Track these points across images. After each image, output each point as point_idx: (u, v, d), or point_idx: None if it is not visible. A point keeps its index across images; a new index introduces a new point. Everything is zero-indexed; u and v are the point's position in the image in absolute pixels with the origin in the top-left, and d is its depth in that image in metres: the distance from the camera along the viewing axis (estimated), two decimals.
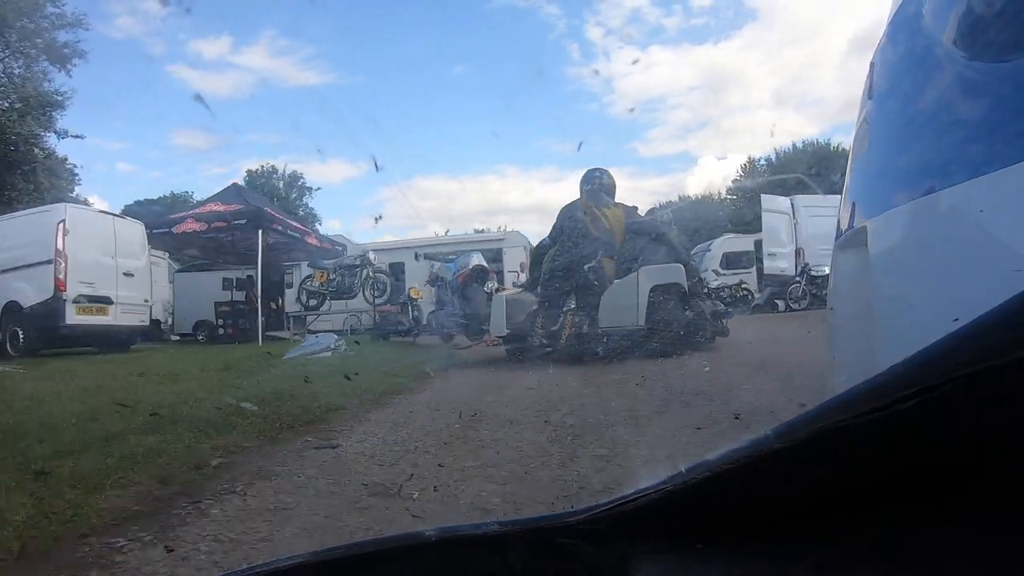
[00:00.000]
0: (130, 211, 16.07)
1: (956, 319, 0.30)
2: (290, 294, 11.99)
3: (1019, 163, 0.51)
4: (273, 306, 12.14)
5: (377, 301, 10.27)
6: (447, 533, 0.36)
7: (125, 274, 8.89)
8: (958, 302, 0.55)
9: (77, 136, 19.07)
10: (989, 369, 0.25)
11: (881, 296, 0.74)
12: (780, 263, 12.27)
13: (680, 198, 31.99)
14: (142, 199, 27.47)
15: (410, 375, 4.66)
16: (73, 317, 8.10)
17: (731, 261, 15.12)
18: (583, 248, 5.50)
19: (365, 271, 10.36)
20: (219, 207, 10.64)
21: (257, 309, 10.21)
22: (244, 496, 1.83)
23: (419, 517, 1.64)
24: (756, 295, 12.89)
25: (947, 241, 0.61)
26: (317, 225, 28.32)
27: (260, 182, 32.09)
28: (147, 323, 9.75)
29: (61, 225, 8.07)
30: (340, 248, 12.13)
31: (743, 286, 12.48)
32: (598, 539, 0.35)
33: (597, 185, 5.92)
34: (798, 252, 12.20)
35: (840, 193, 0.94)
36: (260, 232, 9.89)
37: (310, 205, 35.78)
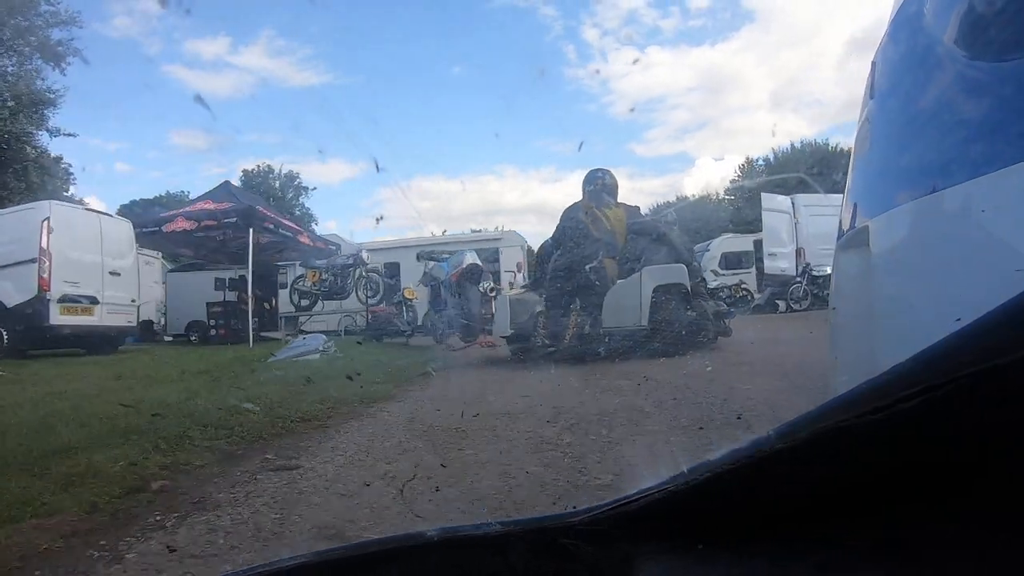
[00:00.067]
0: (125, 211, 16.07)
1: (958, 319, 0.30)
2: (284, 294, 11.95)
3: (1020, 163, 0.52)
4: (267, 306, 12.09)
5: (370, 301, 10.22)
6: (449, 533, 0.37)
7: (111, 273, 8.81)
8: (960, 301, 0.55)
9: (70, 134, 19.09)
10: (992, 369, 0.25)
11: (883, 295, 0.75)
12: (781, 263, 12.30)
13: (678, 198, 32.19)
14: (138, 199, 27.47)
15: (396, 380, 4.48)
16: (57, 317, 7.99)
17: (730, 261, 15.18)
18: (586, 249, 5.58)
19: (358, 271, 10.33)
20: (210, 205, 10.56)
21: (249, 310, 10.16)
22: (172, 533, 1.64)
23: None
24: (756, 295, 12.93)
25: (949, 241, 0.62)
26: (313, 225, 28.50)
27: (256, 182, 32.19)
28: (134, 323, 9.68)
29: (45, 223, 7.97)
30: (334, 248, 12.06)
31: (742, 286, 12.51)
32: (599, 539, 0.35)
33: (599, 186, 6.00)
34: (799, 252, 12.23)
35: (841, 192, 0.95)
36: (251, 231, 9.85)
37: (306, 205, 36.06)
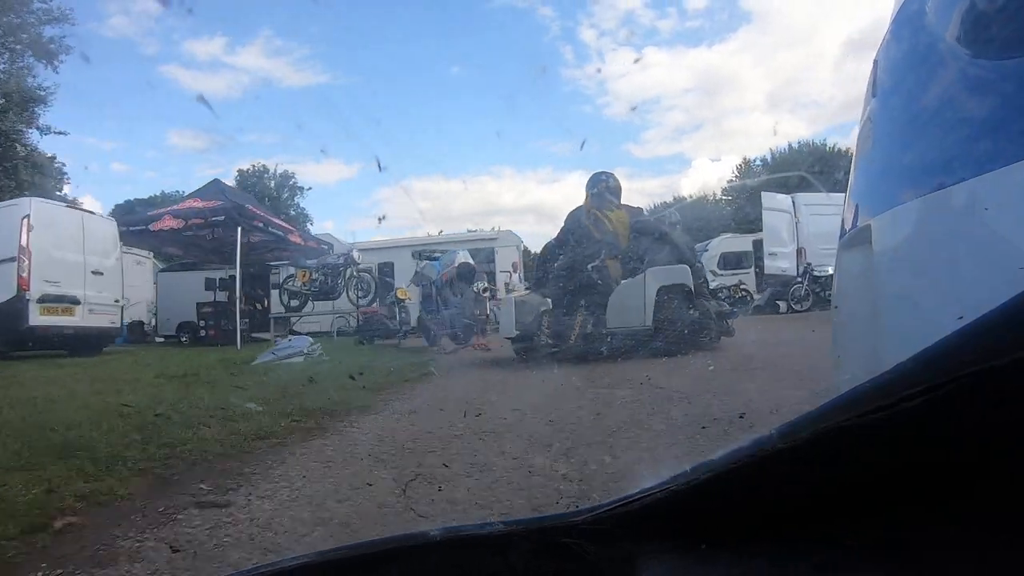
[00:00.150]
0: (120, 211, 16.00)
1: (960, 317, 0.30)
2: (276, 295, 11.91)
3: (1022, 161, 0.52)
4: (259, 307, 12.04)
5: (361, 302, 10.16)
6: (451, 533, 0.37)
7: (94, 273, 8.71)
8: (963, 300, 0.56)
9: (60, 132, 19.23)
10: (993, 368, 0.26)
11: (885, 294, 0.75)
12: (781, 263, 12.34)
13: (675, 199, 32.41)
14: (132, 199, 27.48)
15: (377, 387, 4.25)
16: (37, 318, 7.85)
17: (729, 261, 15.23)
18: (589, 250, 5.77)
19: (349, 270, 10.28)
20: (198, 204, 10.47)
21: (237, 310, 10.11)
22: None
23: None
24: (755, 296, 12.98)
25: (951, 239, 0.63)
26: (309, 225, 28.65)
27: (252, 182, 32.48)
28: (118, 325, 9.58)
29: (25, 220, 7.85)
30: (326, 247, 11.99)
31: (742, 287, 12.54)
32: (602, 539, 0.36)
33: (603, 188, 6.16)
34: (799, 251, 12.27)
35: (842, 191, 0.96)
36: (239, 230, 9.79)
37: (301, 205, 36.30)
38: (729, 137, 49.05)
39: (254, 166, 34.46)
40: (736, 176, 33.74)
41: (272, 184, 34.96)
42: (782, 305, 11.82)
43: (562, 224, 6.35)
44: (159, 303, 13.39)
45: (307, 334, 10.40)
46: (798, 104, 48.49)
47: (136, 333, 13.41)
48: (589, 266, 5.68)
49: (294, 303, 10.87)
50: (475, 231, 16.83)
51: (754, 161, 33.78)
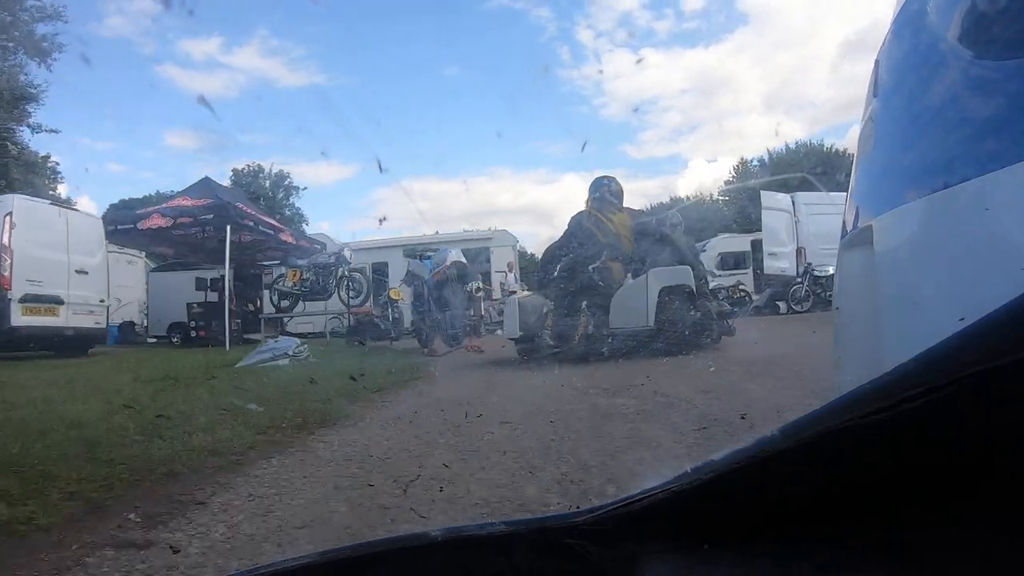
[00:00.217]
0: (114, 210, 15.94)
1: (962, 318, 0.31)
2: (268, 295, 11.87)
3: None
4: (251, 307, 11.99)
5: (353, 302, 10.09)
6: (453, 533, 0.38)
7: (78, 272, 8.64)
8: (964, 301, 0.57)
9: (52, 131, 19.34)
10: (995, 369, 0.26)
11: (887, 295, 0.76)
12: (781, 263, 12.38)
13: (672, 199, 32.68)
14: (127, 198, 27.46)
15: (360, 393, 4.05)
16: (19, 318, 7.78)
17: (727, 262, 15.29)
18: (592, 252, 5.96)
19: (340, 270, 10.22)
20: (187, 202, 10.40)
21: (226, 311, 10.05)
22: None
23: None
24: (754, 296, 13.03)
25: (953, 239, 0.63)
26: (304, 225, 28.92)
27: (246, 181, 32.54)
28: (103, 325, 9.51)
29: (7, 218, 7.76)
30: (318, 246, 11.95)
31: (740, 287, 12.58)
32: (604, 539, 0.36)
33: (605, 192, 6.38)
34: (799, 251, 12.31)
35: (843, 191, 0.97)
36: (228, 228, 9.74)
37: (297, 205, 36.43)
38: (726, 138, 49.61)
39: (249, 166, 34.67)
40: (733, 177, 34.00)
41: (267, 184, 35.07)
42: (782, 306, 11.85)
43: (558, 224, 6.81)
44: (150, 303, 13.35)
45: (300, 335, 10.37)
46: (794, 105, 49.09)
47: (127, 333, 13.37)
48: (590, 267, 5.84)
49: (284, 303, 10.81)
50: (471, 231, 16.83)
51: (751, 162, 34.13)
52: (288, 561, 0.37)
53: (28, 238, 7.93)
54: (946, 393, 0.27)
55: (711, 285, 11.00)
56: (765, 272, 12.69)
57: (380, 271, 13.46)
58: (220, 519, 1.83)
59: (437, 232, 16.44)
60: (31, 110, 18.30)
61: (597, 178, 6.50)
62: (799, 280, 11.58)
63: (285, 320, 11.34)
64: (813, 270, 11.35)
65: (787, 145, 32.05)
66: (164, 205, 10.88)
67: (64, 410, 3.33)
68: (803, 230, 12.42)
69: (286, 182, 35.96)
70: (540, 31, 45.38)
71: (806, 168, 25.45)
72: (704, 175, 54.23)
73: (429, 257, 8.99)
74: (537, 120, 47.89)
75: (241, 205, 10.88)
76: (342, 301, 10.22)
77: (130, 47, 38.50)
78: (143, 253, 14.09)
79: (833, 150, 29.75)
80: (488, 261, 15.05)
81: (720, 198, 30.87)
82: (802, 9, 51.38)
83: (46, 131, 19.10)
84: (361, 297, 10.20)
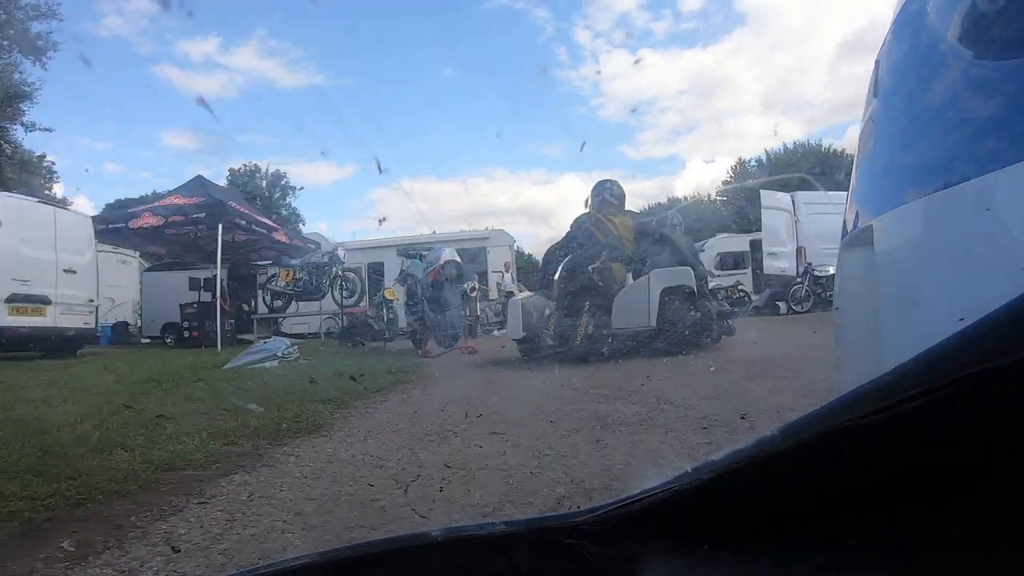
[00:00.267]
0: (109, 210, 15.90)
1: (962, 318, 0.31)
2: (261, 295, 11.83)
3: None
4: (245, 307, 11.96)
5: (346, 302, 10.04)
6: (453, 533, 0.38)
7: (66, 271, 8.56)
8: (965, 301, 0.57)
9: (46, 129, 19.40)
10: (995, 369, 0.26)
11: (887, 295, 0.77)
12: (780, 263, 12.39)
13: (669, 199, 32.88)
14: (124, 198, 27.48)
15: (343, 399, 3.87)
16: (5, 318, 7.62)
17: (726, 262, 15.32)
18: (590, 251, 6.13)
19: (334, 269, 10.18)
20: (179, 200, 10.35)
21: (218, 311, 10.01)
22: None
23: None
24: (753, 297, 13.06)
25: (953, 240, 0.64)
26: (300, 225, 29.10)
27: (243, 181, 32.69)
28: (92, 325, 9.44)
29: None
30: (312, 246, 11.92)
31: (739, 287, 12.61)
32: (604, 539, 0.36)
33: (607, 195, 6.59)
34: (799, 251, 12.33)
35: (844, 190, 0.98)
36: (220, 227, 9.70)
37: (293, 205, 36.58)
38: (723, 139, 49.90)
39: (245, 166, 34.83)
40: (731, 177, 34.16)
41: (264, 184, 35.19)
42: (782, 306, 11.86)
43: (555, 224, 7.04)
44: (144, 303, 13.27)
45: (295, 335, 10.32)
46: (792, 106, 49.46)
47: (120, 334, 13.32)
48: (590, 267, 6.00)
49: (277, 303, 10.79)
50: (467, 231, 16.81)
51: (749, 162, 34.34)
52: (288, 561, 0.37)
53: (14, 236, 7.86)
54: (946, 393, 0.27)
55: (710, 285, 11.06)
56: (765, 272, 12.69)
57: (376, 271, 13.43)
58: (158, 552, 1.63)
59: (434, 232, 16.42)
60: (25, 108, 18.43)
61: (599, 182, 6.70)
62: (799, 280, 11.56)
63: (280, 320, 11.31)
64: (813, 270, 11.33)
65: (785, 145, 32.31)
66: (156, 204, 10.83)
67: (32, 415, 3.26)
68: (803, 230, 12.43)
69: (283, 182, 36.16)
70: (538, 31, 45.65)
71: (804, 168, 25.58)
72: (702, 176, 54.57)
73: (423, 256, 8.91)
74: (535, 121, 48.34)
75: (234, 204, 10.84)
76: (335, 301, 10.17)
77: (127, 47, 38.82)
78: (137, 253, 14.04)
79: (831, 150, 29.95)
80: (485, 261, 15.04)
81: (718, 198, 31.03)
82: (800, 10, 51.88)
83: (40, 129, 19.24)
84: (355, 297, 10.16)
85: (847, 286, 0.97)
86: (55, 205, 9.34)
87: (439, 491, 1.97)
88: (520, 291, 11.90)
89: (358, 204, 53.80)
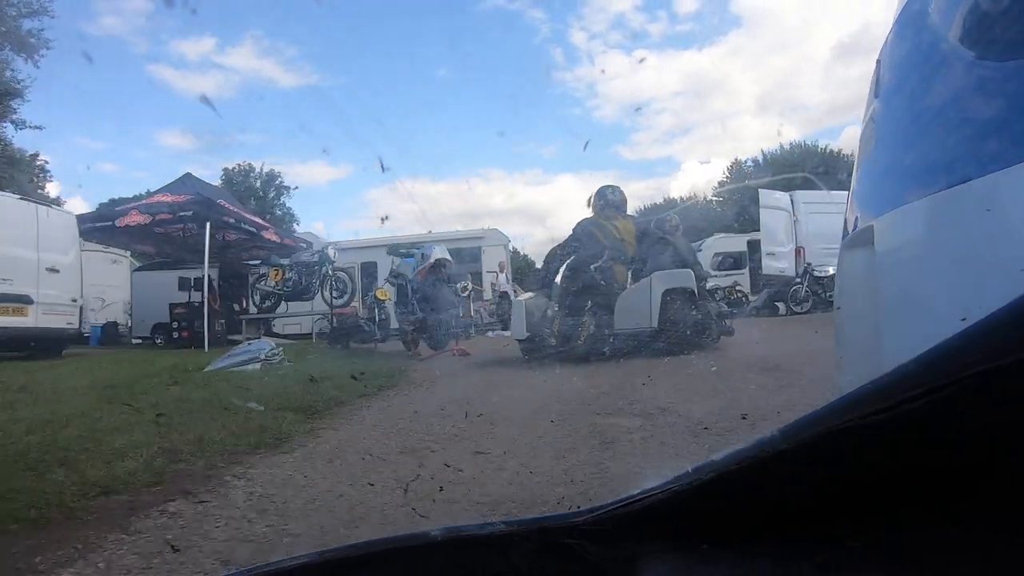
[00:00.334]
0: (102, 210, 15.80)
1: (963, 319, 0.32)
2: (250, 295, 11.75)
3: None
4: (236, 307, 11.89)
5: (337, 302, 9.94)
6: (453, 533, 0.38)
7: (49, 270, 8.47)
8: (966, 301, 0.58)
9: (36, 127, 19.43)
10: (996, 369, 0.26)
11: (888, 296, 0.77)
12: (779, 263, 12.38)
13: (665, 200, 33.06)
14: (117, 197, 27.40)
15: (320, 407, 3.64)
16: None
17: (723, 262, 15.35)
18: (592, 250, 6.37)
19: (324, 268, 10.12)
20: (167, 198, 10.25)
21: (205, 311, 9.95)
22: None
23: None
24: (751, 297, 13.09)
25: (954, 240, 0.64)
26: (295, 226, 28.83)
27: (237, 180, 32.73)
28: (76, 326, 9.36)
29: None
30: (304, 245, 11.86)
31: (737, 288, 12.62)
32: (603, 539, 0.37)
33: (609, 200, 6.88)
34: (798, 251, 12.34)
35: (844, 190, 0.99)
36: (208, 225, 9.64)
37: (288, 205, 36.46)
38: (719, 140, 50.29)
39: (239, 165, 34.67)
40: (728, 178, 34.32)
41: (258, 184, 35.15)
42: (781, 307, 11.86)
43: (551, 225, 7.31)
44: (134, 303, 13.11)
45: (287, 336, 10.24)
46: (788, 107, 49.85)
47: (111, 334, 13.22)
48: (592, 267, 6.23)
49: (267, 304, 10.73)
50: (461, 230, 16.76)
51: (745, 162, 34.57)
52: (287, 560, 0.37)
53: None
54: (947, 393, 0.27)
55: (708, 286, 11.08)
56: (764, 272, 12.67)
57: (370, 271, 13.38)
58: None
59: (430, 232, 16.39)
60: (16, 106, 18.49)
61: (602, 187, 7.00)
62: (799, 280, 11.51)
63: (272, 321, 11.25)
64: (813, 270, 11.28)
65: (781, 146, 32.55)
66: (143, 202, 10.75)
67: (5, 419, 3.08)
68: (802, 229, 12.42)
69: (277, 181, 36.06)
70: (534, 32, 45.80)
71: (808, 168, 25.73)
72: (697, 177, 54.97)
73: (412, 255, 8.69)
74: (530, 121, 48.55)
75: (222, 202, 10.76)
76: (325, 301, 10.09)
77: (123, 46, 38.80)
78: (128, 252, 13.95)
79: (828, 151, 30.20)
80: (479, 261, 15.02)
81: (714, 199, 31.18)
82: (795, 12, 52.28)
83: (31, 127, 19.29)
84: (345, 297, 10.03)
85: (848, 286, 0.98)
86: (38, 202, 9.22)
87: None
88: (516, 291, 11.90)
89: (354, 204, 53.94)
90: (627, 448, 2.46)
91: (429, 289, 7.72)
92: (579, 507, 0.39)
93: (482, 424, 3.10)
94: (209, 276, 10.33)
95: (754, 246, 13.79)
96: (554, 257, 6.82)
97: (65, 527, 1.85)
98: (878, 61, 0.89)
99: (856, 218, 0.89)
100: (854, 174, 0.93)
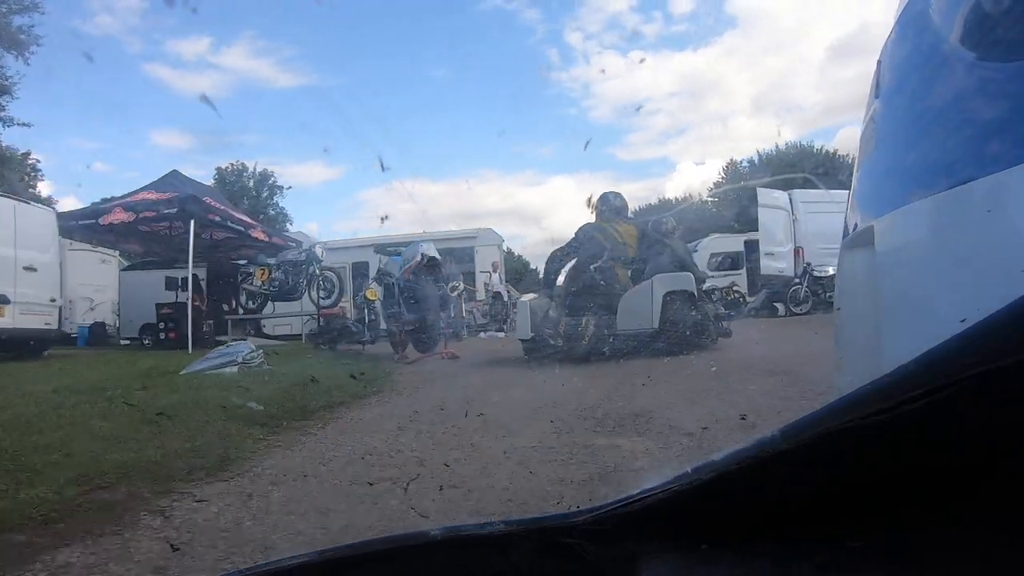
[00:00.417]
0: (95, 209, 15.66)
1: (963, 319, 0.32)
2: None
3: None
4: (225, 308, 11.78)
5: (323, 302, 9.74)
6: (453, 532, 0.38)
7: (26, 269, 8.36)
8: (965, 302, 0.59)
9: (24, 124, 19.27)
10: (996, 370, 0.27)
11: (888, 296, 0.78)
12: (778, 263, 12.36)
13: (660, 201, 33.25)
14: (108, 196, 27.30)
15: (280, 418, 3.42)
16: None
17: (720, 262, 15.42)
18: (592, 250, 6.66)
19: (311, 268, 10.02)
20: (152, 196, 10.04)
21: (189, 311, 9.86)
22: None
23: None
24: (749, 298, 13.13)
25: (954, 241, 0.65)
26: (288, 225, 28.84)
27: (230, 180, 32.64)
28: (55, 326, 9.23)
29: None
30: (293, 245, 11.77)
31: (734, 288, 12.65)
32: (603, 539, 0.37)
33: (611, 205, 7.28)
34: (797, 251, 12.36)
35: (843, 189, 1.00)
36: (193, 223, 9.54)
37: (281, 204, 36.37)
38: (714, 141, 50.55)
39: (232, 165, 34.56)
40: (723, 178, 34.50)
41: (251, 183, 35.08)
42: (780, 307, 11.88)
43: (546, 226, 7.62)
44: (122, 303, 12.96)
45: (277, 337, 10.14)
46: (783, 108, 50.20)
47: (98, 335, 13.09)
48: (592, 267, 6.52)
49: (252, 304, 10.65)
50: (454, 229, 16.72)
51: (741, 163, 34.83)
52: (287, 560, 0.37)
53: None
54: (947, 394, 0.28)
55: (705, 287, 11.11)
56: (762, 272, 12.66)
57: (361, 271, 13.29)
58: None
59: (424, 232, 16.36)
60: (5, 103, 18.44)
61: (604, 193, 7.39)
62: (798, 281, 11.50)
63: (261, 322, 11.15)
64: (812, 270, 11.28)
65: (777, 147, 32.82)
66: (127, 199, 10.59)
67: None
68: (801, 229, 12.40)
69: (270, 181, 35.90)
70: (529, 33, 45.93)
71: (807, 168, 25.91)
72: (692, 177, 55.24)
73: (400, 253, 8.55)
74: (525, 122, 48.69)
75: (209, 199, 10.60)
76: (312, 301, 9.98)
77: (117, 45, 38.53)
78: (117, 252, 13.82)
79: (823, 151, 30.47)
80: (472, 260, 15.00)
81: (710, 200, 31.33)
82: (791, 12, 52.64)
83: (19, 124, 19.17)
84: (333, 297, 9.92)
85: (848, 287, 0.98)
86: (15, 198, 9.08)
87: None
88: (509, 292, 11.90)
89: (348, 204, 53.88)
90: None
91: (416, 288, 7.57)
92: (579, 507, 0.39)
93: (463, 448, 2.74)
94: (196, 276, 10.17)
95: (751, 246, 13.83)
96: (556, 259, 7.05)
97: None
98: (879, 62, 0.90)
99: (856, 218, 0.90)
100: (854, 174, 0.94)
